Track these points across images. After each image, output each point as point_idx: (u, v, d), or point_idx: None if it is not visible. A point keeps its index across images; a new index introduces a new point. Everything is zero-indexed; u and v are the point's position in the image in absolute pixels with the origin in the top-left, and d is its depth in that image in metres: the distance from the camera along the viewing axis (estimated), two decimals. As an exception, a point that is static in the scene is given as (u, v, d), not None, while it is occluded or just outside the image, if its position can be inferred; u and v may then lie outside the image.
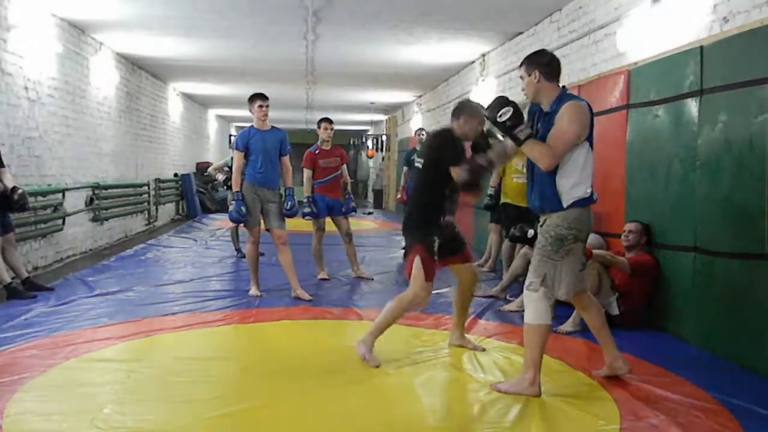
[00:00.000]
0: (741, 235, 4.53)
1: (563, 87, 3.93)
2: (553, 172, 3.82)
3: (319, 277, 7.76)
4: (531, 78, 3.88)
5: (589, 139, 3.84)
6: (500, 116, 3.80)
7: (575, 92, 6.87)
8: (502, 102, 3.84)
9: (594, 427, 3.44)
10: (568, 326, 5.33)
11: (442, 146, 4.43)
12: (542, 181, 3.88)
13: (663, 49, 5.58)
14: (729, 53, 4.70)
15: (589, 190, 3.84)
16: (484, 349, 4.81)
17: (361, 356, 4.40)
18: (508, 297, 6.62)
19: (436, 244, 4.38)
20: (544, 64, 3.88)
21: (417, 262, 4.37)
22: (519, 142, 3.83)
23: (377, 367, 4.32)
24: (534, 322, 3.85)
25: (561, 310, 5.50)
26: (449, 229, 4.50)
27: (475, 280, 4.80)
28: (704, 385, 4.06)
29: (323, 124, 7.77)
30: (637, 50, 6.08)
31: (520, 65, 3.99)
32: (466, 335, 4.96)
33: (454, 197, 4.48)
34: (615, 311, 5.32)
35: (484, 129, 4.48)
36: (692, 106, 5.05)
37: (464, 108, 4.48)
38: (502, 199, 7.47)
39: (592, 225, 4.02)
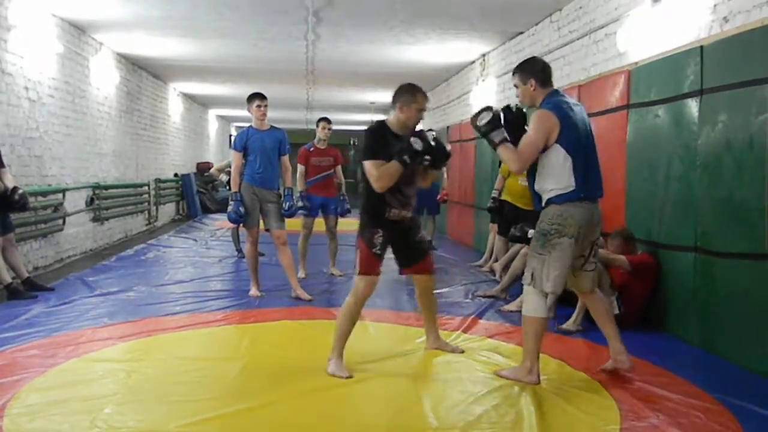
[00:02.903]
0: (741, 235, 4.53)
1: (554, 90, 4.05)
2: (533, 175, 4.03)
3: (299, 275, 7.65)
4: (527, 87, 4.05)
5: (562, 140, 3.87)
6: (479, 121, 4.01)
7: (575, 92, 6.89)
8: (482, 109, 4.06)
9: (594, 427, 3.44)
10: (569, 326, 5.32)
11: (365, 142, 4.35)
12: (530, 184, 4.12)
13: (663, 49, 5.58)
14: (729, 53, 4.70)
15: (570, 187, 3.89)
16: (462, 351, 4.72)
17: (330, 373, 4.19)
18: (507, 297, 6.62)
19: (378, 238, 4.29)
20: (538, 71, 4.04)
21: (358, 255, 4.34)
22: (493, 146, 4.02)
23: (349, 378, 4.14)
24: (528, 314, 4.05)
25: (561, 310, 5.51)
26: (402, 223, 4.38)
27: (428, 287, 4.66)
28: (704, 385, 4.06)
29: (321, 123, 7.90)
30: (637, 50, 6.07)
31: (513, 74, 4.12)
32: (442, 339, 4.86)
33: (401, 189, 4.30)
34: (615, 311, 5.29)
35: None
36: (692, 106, 5.05)
37: (399, 94, 4.32)
38: (503, 196, 7.48)
39: (588, 221, 3.97)
